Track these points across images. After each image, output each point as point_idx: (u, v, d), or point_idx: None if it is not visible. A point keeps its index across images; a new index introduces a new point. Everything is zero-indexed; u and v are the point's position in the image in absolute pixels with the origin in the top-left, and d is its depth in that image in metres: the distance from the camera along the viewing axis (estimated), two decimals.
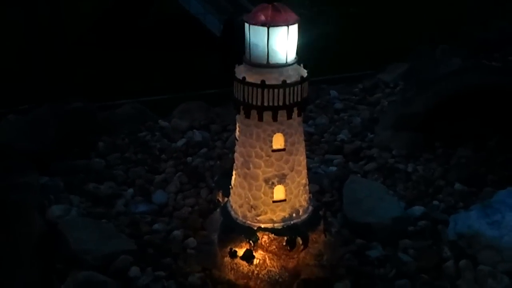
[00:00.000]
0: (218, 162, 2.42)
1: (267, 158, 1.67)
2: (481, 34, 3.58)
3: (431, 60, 3.28)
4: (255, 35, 1.55)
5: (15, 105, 2.62)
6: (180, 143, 2.59)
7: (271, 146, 1.66)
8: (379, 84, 3.32)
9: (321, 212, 1.88)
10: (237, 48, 1.83)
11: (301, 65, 1.66)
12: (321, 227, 1.83)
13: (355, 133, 2.73)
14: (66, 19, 4.59)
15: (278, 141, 1.66)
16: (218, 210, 1.93)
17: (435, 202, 2.18)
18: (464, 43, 3.56)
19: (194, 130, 2.70)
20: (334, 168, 2.42)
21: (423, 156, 2.49)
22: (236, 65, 1.66)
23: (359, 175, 2.36)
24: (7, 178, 1.95)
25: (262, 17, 1.52)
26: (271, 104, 1.58)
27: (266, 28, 1.52)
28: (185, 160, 2.46)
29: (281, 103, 1.59)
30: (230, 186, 1.84)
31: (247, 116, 1.63)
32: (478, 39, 3.52)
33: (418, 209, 2.11)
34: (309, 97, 1.68)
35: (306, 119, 2.80)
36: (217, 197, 2.04)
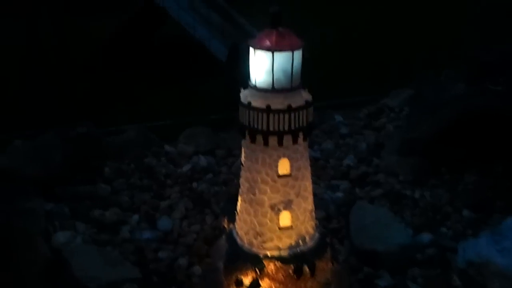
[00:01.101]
0: (223, 187, 2.41)
1: (273, 183, 1.66)
2: (485, 58, 3.59)
3: (436, 85, 3.28)
4: (260, 60, 1.56)
5: (22, 130, 2.63)
6: (185, 168, 2.59)
7: (277, 171, 1.65)
8: (384, 109, 3.33)
9: (328, 239, 1.86)
10: (242, 73, 1.84)
11: (306, 89, 1.67)
12: (328, 255, 1.80)
13: (361, 158, 2.72)
14: (71, 44, 4.67)
15: (283, 166, 1.65)
16: (223, 237, 1.91)
17: (443, 229, 2.15)
18: (468, 67, 3.56)
19: (200, 155, 2.70)
20: (340, 194, 2.40)
21: (430, 181, 2.47)
22: (242, 90, 1.67)
23: (365, 201, 2.34)
24: (13, 203, 1.95)
25: (267, 42, 1.53)
26: (276, 128, 1.58)
27: (271, 53, 1.53)
28: (191, 185, 2.45)
29: (286, 128, 1.58)
30: (236, 212, 1.82)
31: (253, 141, 1.63)
32: (482, 63, 3.52)
33: (426, 236, 2.09)
34: (314, 122, 1.68)
35: (312, 144, 2.79)
36: (223, 224, 2.02)
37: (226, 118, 3.05)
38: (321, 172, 2.59)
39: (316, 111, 3.22)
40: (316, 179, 2.48)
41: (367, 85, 4.02)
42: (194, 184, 2.46)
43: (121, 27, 5.07)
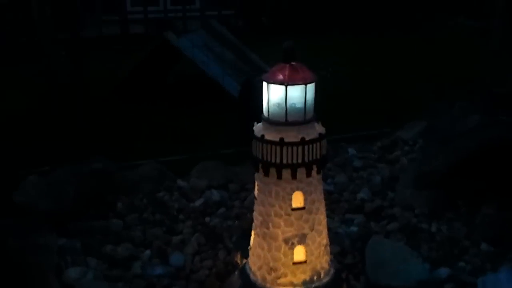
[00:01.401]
0: (236, 222, 2.39)
1: (287, 217, 1.64)
2: (498, 90, 3.58)
3: (449, 117, 3.27)
4: (274, 93, 1.57)
5: (37, 166, 2.65)
6: (198, 203, 2.57)
7: (291, 205, 1.63)
8: (398, 142, 3.31)
9: (343, 275, 1.82)
10: (254, 108, 1.85)
11: (319, 122, 1.67)
12: None
13: (375, 192, 2.69)
14: (89, 82, 4.76)
15: (297, 199, 1.64)
16: (236, 272, 1.88)
17: (461, 264, 2.09)
18: (481, 99, 3.55)
19: (212, 189, 2.69)
20: (355, 228, 2.36)
21: (446, 215, 2.42)
22: (255, 124, 1.68)
23: (381, 235, 2.30)
24: (26, 239, 1.94)
25: (280, 76, 1.55)
26: (290, 161, 1.58)
27: (284, 87, 1.54)
28: (203, 220, 2.43)
29: (300, 161, 1.58)
30: (249, 247, 1.80)
31: (266, 174, 1.62)
32: (496, 95, 3.51)
33: (444, 271, 2.03)
34: (328, 155, 1.67)
35: (325, 177, 2.77)
36: (236, 259, 1.99)
37: (238, 152, 3.06)
38: (335, 206, 2.56)
39: (329, 144, 3.22)
40: (330, 213, 2.45)
41: (380, 119, 4.02)
42: (207, 219, 2.44)
43: (137, 65, 5.17)
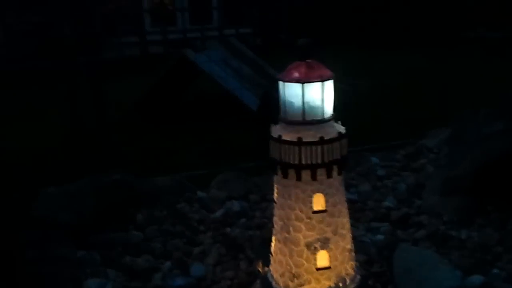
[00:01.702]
0: (257, 232, 2.33)
1: (308, 220, 1.58)
2: None
3: (474, 123, 3.17)
4: (290, 92, 1.53)
5: (57, 179, 2.65)
6: (218, 213, 2.53)
7: (312, 207, 1.58)
8: (422, 150, 3.22)
9: (370, 282, 1.74)
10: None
11: (339, 122, 1.62)
12: None
13: (401, 200, 2.60)
14: (109, 103, 4.81)
15: (318, 202, 1.58)
16: (258, 281, 1.82)
17: (495, 271, 1.99)
18: (506, 106, 3.44)
19: (233, 200, 2.64)
20: (381, 237, 2.28)
21: (476, 221, 2.32)
22: (272, 125, 1.63)
23: (409, 243, 2.21)
24: (44, 250, 1.92)
25: (296, 74, 1.51)
26: (309, 162, 1.52)
27: (300, 85, 1.50)
28: (224, 231, 2.38)
29: (319, 161, 1.52)
30: (270, 254, 1.74)
31: (285, 176, 1.57)
32: None
33: (477, 278, 1.93)
34: (348, 156, 1.61)
35: (348, 186, 2.69)
36: (257, 267, 1.93)
37: (258, 166, 3.02)
38: (359, 215, 2.48)
39: (351, 154, 3.15)
40: (355, 221, 2.37)
41: (404, 130, 3.94)
42: (228, 229, 2.39)
43: (156, 83, 5.21)
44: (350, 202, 2.20)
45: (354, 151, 3.18)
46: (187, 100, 5.71)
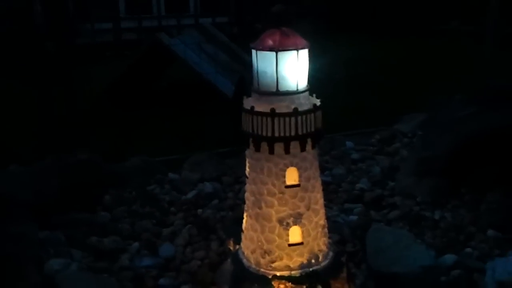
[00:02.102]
0: (230, 213, 2.28)
1: (281, 195, 1.53)
2: (497, 84, 3.50)
3: (448, 109, 3.17)
4: (263, 61, 1.47)
5: (21, 160, 2.53)
6: (190, 195, 2.46)
7: (284, 182, 1.52)
8: (397, 135, 3.21)
9: (343, 259, 1.70)
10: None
11: (313, 95, 1.57)
12: (344, 274, 1.64)
13: (375, 182, 2.58)
14: (80, 88, 4.67)
15: (291, 176, 1.53)
16: (228, 259, 1.76)
17: (468, 250, 1.98)
18: (479, 93, 3.47)
19: (205, 182, 2.58)
20: (354, 217, 2.25)
21: (450, 202, 2.31)
22: (245, 97, 1.57)
23: (382, 223, 2.19)
24: (4, 228, 1.82)
25: (270, 42, 1.45)
26: (282, 134, 1.47)
27: (274, 53, 1.44)
28: (195, 212, 2.32)
29: (293, 133, 1.47)
30: (242, 231, 1.68)
31: (257, 149, 1.52)
32: (494, 89, 3.42)
33: (450, 258, 1.92)
34: (323, 129, 1.56)
35: (322, 169, 2.66)
36: (228, 246, 1.88)
37: (232, 151, 2.95)
38: (333, 196, 2.46)
39: (326, 138, 3.12)
40: (328, 202, 2.34)
41: (379, 117, 3.93)
42: (199, 211, 2.33)
43: (129, 68, 5.08)
44: (324, 184, 2.17)
45: (329, 134, 3.17)
46: (161, 86, 5.60)
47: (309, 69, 1.53)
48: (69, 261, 1.88)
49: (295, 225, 1.55)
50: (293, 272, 1.56)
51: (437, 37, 7.87)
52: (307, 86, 1.53)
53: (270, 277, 1.56)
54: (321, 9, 8.62)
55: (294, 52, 1.45)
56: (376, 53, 6.73)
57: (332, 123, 2.52)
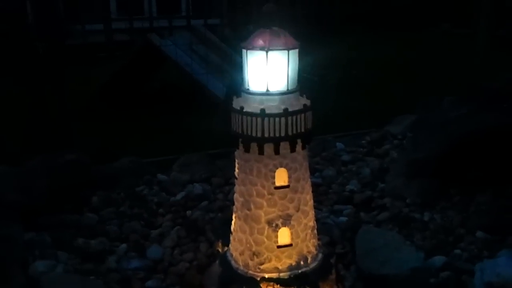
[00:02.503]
0: (219, 214, 2.26)
1: (270, 196, 1.52)
2: (489, 85, 3.52)
3: (439, 110, 3.18)
4: (253, 61, 1.46)
5: (8, 160, 2.49)
6: (179, 196, 2.44)
7: (274, 183, 1.51)
8: (387, 136, 3.22)
9: (332, 261, 1.69)
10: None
11: (304, 95, 1.56)
12: (333, 276, 1.64)
13: (365, 183, 2.58)
14: (72, 88, 4.62)
15: (281, 177, 1.52)
16: (217, 261, 1.74)
17: (457, 251, 1.99)
18: (471, 94, 3.48)
19: (194, 183, 2.56)
20: (344, 219, 2.25)
21: (439, 204, 2.32)
22: (234, 97, 1.56)
23: (371, 225, 2.19)
24: None
25: (260, 42, 1.44)
26: (272, 135, 1.46)
27: (264, 53, 1.43)
28: (184, 213, 2.30)
29: (283, 134, 1.46)
30: (230, 232, 1.67)
31: (247, 150, 1.50)
32: (486, 90, 3.44)
33: (439, 259, 1.92)
34: (313, 131, 1.56)
35: (313, 171, 2.66)
36: (217, 248, 1.86)
37: (223, 152, 2.94)
38: (323, 198, 2.45)
39: (317, 140, 3.11)
40: (318, 204, 2.34)
41: (370, 119, 3.93)
42: (188, 212, 2.31)
43: (120, 69, 5.05)
44: (314, 185, 2.16)
45: (319, 136, 3.17)
46: (152, 87, 5.57)
47: (299, 70, 1.52)
48: (55, 263, 1.85)
49: (284, 226, 1.54)
50: (281, 274, 1.55)
51: (428, 39, 7.93)
52: (297, 86, 1.52)
53: (258, 279, 1.55)
54: (313, 11, 8.65)
55: (285, 51, 1.44)
56: (367, 55, 6.75)
57: (323, 124, 2.52)
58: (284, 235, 1.55)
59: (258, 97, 1.48)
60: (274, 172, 1.51)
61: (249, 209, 1.55)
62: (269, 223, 1.53)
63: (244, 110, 1.47)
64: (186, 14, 9.45)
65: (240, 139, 1.51)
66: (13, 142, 3.44)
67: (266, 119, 1.45)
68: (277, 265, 1.55)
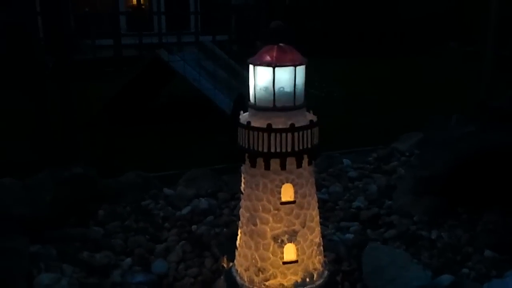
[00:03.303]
0: (224, 229, 2.25)
1: (276, 212, 1.51)
2: (495, 103, 3.51)
3: (446, 128, 3.17)
4: (260, 76, 1.47)
5: (15, 173, 2.50)
6: (185, 211, 2.44)
7: (280, 198, 1.51)
8: (394, 153, 3.20)
9: (338, 278, 1.68)
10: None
11: (311, 111, 1.56)
12: None
13: (372, 200, 2.56)
14: (79, 103, 4.65)
15: (287, 192, 1.52)
16: (222, 277, 1.73)
17: (465, 270, 1.96)
18: (477, 112, 3.47)
19: (200, 198, 2.56)
20: (350, 236, 2.23)
21: (447, 222, 2.29)
22: (241, 113, 1.57)
23: (378, 242, 2.17)
24: None
25: (268, 58, 1.45)
26: (278, 150, 1.46)
27: (271, 69, 1.44)
28: (190, 228, 2.29)
29: (289, 149, 1.46)
30: (236, 248, 1.66)
31: (253, 165, 1.50)
32: (492, 108, 3.43)
33: (446, 278, 1.89)
34: (319, 146, 1.55)
35: (319, 187, 2.65)
36: (222, 263, 1.85)
37: (229, 167, 2.94)
38: (329, 214, 2.43)
39: (323, 156, 3.10)
40: (324, 220, 2.33)
41: (377, 136, 3.93)
42: (194, 227, 2.30)
43: (128, 83, 5.09)
44: (320, 201, 2.16)
45: (326, 152, 3.17)
46: (160, 102, 5.61)
47: (307, 86, 1.53)
48: (60, 276, 1.84)
49: (290, 242, 1.53)
50: None
51: (436, 57, 7.94)
52: (304, 102, 1.52)
53: None
54: (321, 30, 8.72)
55: (292, 68, 1.45)
56: (375, 73, 6.78)
57: (330, 140, 2.51)
58: (289, 251, 1.54)
59: (265, 113, 1.48)
60: (280, 187, 1.51)
61: (255, 225, 1.54)
62: (275, 239, 1.52)
63: (251, 125, 1.47)
64: (194, 30, 9.58)
65: (247, 154, 1.51)
66: (20, 155, 3.47)
67: (272, 134, 1.45)
68: (282, 282, 1.54)
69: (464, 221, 2.28)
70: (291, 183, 1.51)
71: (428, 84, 5.95)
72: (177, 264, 2.01)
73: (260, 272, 1.54)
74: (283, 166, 1.48)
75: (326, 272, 1.63)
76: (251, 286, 1.56)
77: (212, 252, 2.08)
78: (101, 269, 1.96)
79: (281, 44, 1.47)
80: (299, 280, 1.55)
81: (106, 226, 2.28)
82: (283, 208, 1.51)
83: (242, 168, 1.58)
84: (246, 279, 1.58)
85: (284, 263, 1.53)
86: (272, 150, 1.46)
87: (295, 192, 1.52)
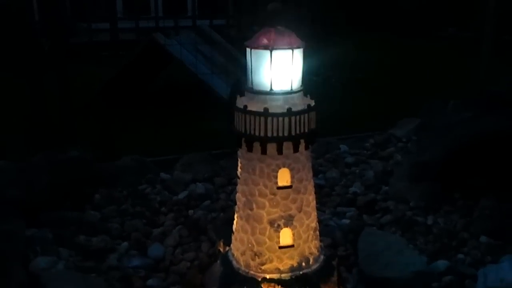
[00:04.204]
0: (221, 214, 2.25)
1: (272, 196, 1.51)
2: (493, 89, 3.50)
3: (443, 114, 3.17)
4: (257, 59, 1.45)
5: (10, 156, 2.49)
6: (181, 195, 2.43)
7: (276, 183, 1.50)
8: (391, 139, 3.20)
9: (334, 262, 1.68)
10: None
11: (308, 96, 1.55)
12: (335, 278, 1.62)
13: (368, 186, 2.56)
14: (75, 86, 4.62)
15: (284, 177, 1.51)
16: (218, 261, 1.74)
17: (460, 256, 1.97)
18: (475, 98, 3.46)
19: (197, 182, 2.55)
20: (347, 221, 2.23)
21: (443, 207, 2.30)
22: (238, 97, 1.55)
23: (374, 227, 2.17)
24: None
25: (265, 40, 1.43)
26: (275, 134, 1.45)
27: (269, 52, 1.42)
28: (186, 213, 2.29)
29: (286, 134, 1.45)
30: (232, 232, 1.66)
31: (249, 149, 1.49)
32: (490, 94, 3.42)
33: (442, 263, 1.90)
34: (317, 130, 1.55)
35: (316, 172, 2.65)
36: (218, 247, 1.85)
37: (226, 153, 2.93)
38: (326, 199, 2.44)
39: (320, 141, 3.09)
40: (321, 206, 2.33)
41: (375, 122, 3.92)
42: (190, 212, 2.30)
43: (126, 66, 5.05)
44: (317, 187, 2.15)
45: (322, 138, 3.16)
46: (157, 86, 5.57)
47: (304, 70, 1.52)
48: (56, 260, 1.85)
49: (286, 227, 1.53)
50: (283, 275, 1.54)
51: (434, 42, 7.91)
52: (301, 86, 1.51)
53: (259, 279, 1.53)
54: (319, 11, 8.64)
55: (289, 51, 1.43)
56: (372, 57, 6.74)
57: (327, 126, 2.50)
58: (286, 236, 1.54)
59: (262, 96, 1.47)
60: (277, 172, 1.50)
61: (251, 209, 1.54)
62: (271, 223, 1.52)
63: (248, 109, 1.46)
64: (192, 14, 9.48)
65: (243, 138, 1.50)
66: (16, 138, 3.45)
67: (269, 118, 1.44)
68: (278, 266, 1.54)
69: (460, 207, 2.29)
70: (287, 167, 1.50)
71: (426, 69, 5.93)
72: (173, 248, 2.02)
73: (256, 257, 1.54)
74: (279, 151, 1.47)
75: (322, 257, 1.63)
76: (247, 270, 1.57)
77: (208, 236, 2.09)
78: (97, 252, 1.96)
79: (278, 27, 1.45)
80: (295, 265, 1.55)
81: (103, 210, 2.27)
82: (280, 192, 1.51)
83: (239, 152, 1.57)
84: (242, 263, 1.58)
85: (280, 247, 1.53)
86: (269, 134, 1.45)
87: (292, 177, 1.51)
